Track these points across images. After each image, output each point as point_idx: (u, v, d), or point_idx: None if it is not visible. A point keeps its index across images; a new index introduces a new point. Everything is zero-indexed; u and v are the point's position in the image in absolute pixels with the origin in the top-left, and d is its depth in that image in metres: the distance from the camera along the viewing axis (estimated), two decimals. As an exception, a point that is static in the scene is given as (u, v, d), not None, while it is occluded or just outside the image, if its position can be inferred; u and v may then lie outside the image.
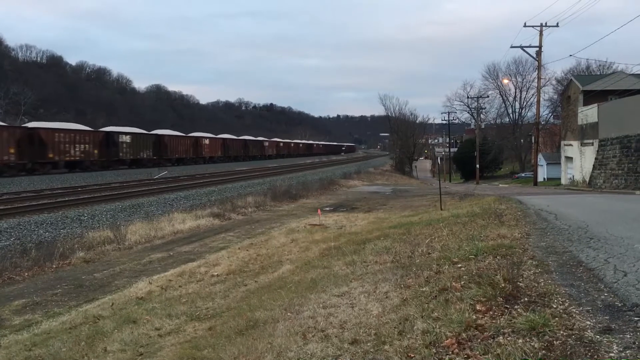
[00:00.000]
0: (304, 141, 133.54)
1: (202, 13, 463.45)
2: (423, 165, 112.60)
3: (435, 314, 4.50)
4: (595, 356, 3.34)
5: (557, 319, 3.97)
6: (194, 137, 67.09)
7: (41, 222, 17.13)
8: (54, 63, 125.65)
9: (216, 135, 79.02)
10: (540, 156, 48.99)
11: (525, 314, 4.10)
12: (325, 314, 5.45)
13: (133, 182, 32.30)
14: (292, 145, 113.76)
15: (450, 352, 3.72)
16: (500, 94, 75.69)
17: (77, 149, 43.24)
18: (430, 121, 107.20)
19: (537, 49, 37.76)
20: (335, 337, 4.64)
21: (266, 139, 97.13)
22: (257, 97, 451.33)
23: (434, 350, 3.82)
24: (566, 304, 4.35)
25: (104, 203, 21.99)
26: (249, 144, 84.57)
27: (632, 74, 38.56)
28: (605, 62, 61.29)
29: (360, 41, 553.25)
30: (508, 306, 4.39)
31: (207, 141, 69.40)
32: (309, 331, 4.95)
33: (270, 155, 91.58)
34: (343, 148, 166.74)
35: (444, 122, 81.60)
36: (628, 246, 6.87)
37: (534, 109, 47.64)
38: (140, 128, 62.06)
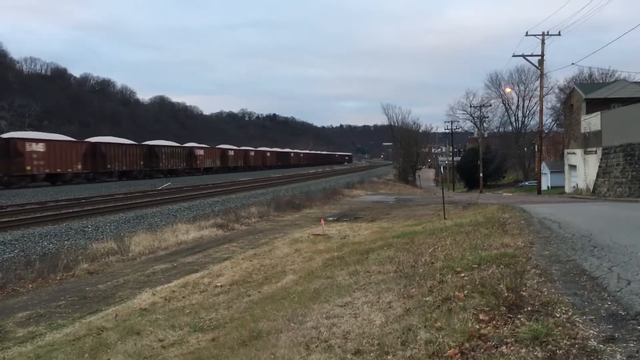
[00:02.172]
0: (276, 149, 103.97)
1: (204, 24, 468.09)
2: (426, 174, 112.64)
3: (439, 323, 4.49)
4: (599, 365, 3.33)
5: (560, 328, 3.96)
6: (6, 139, 37.75)
7: (45, 234, 17.16)
8: (59, 75, 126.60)
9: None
10: (543, 164, 48.94)
11: (528, 323, 4.10)
12: (329, 324, 5.44)
13: (137, 193, 32.41)
14: (253, 154, 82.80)
15: (453, 362, 3.72)
16: (503, 103, 75.76)
17: None
18: (433, 130, 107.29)
19: (540, 57, 37.82)
20: (339, 347, 4.63)
21: (200, 145, 67.36)
22: (261, 107, 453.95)
23: (437, 360, 3.81)
24: (569, 313, 4.34)
25: (108, 214, 22.03)
26: (158, 152, 53.59)
27: (635, 82, 38.59)
28: (608, 70, 61.55)
29: (361, 50, 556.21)
30: (511, 315, 4.38)
31: (37, 147, 37.90)
32: (312, 342, 4.94)
33: (210, 169, 65.42)
34: (346, 157, 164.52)
35: (447, 131, 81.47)
36: (632, 254, 6.85)
37: (537, 118, 47.61)
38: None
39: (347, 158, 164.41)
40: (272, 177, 52.74)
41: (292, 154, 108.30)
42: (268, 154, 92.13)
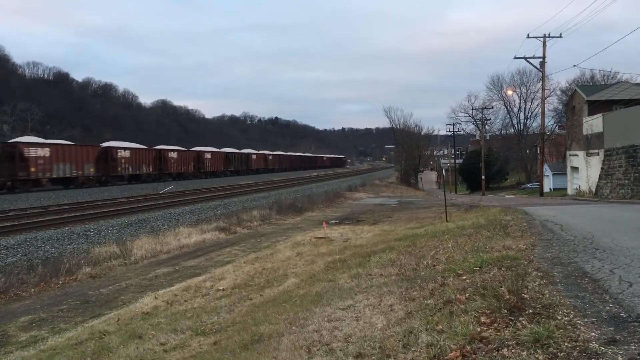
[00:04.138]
0: (227, 150, 79.16)
1: (207, 28, 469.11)
2: (428, 176, 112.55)
3: (440, 326, 4.49)
4: (600, 368, 3.32)
5: (561, 330, 3.95)
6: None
7: (48, 238, 17.20)
8: (61, 79, 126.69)
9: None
10: (546, 167, 48.88)
11: (529, 325, 4.09)
12: (330, 327, 5.44)
13: (139, 197, 32.45)
14: (175, 156, 57.60)
15: (454, 365, 3.71)
16: (505, 105, 75.85)
17: None
18: (435, 133, 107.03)
19: (541, 59, 37.83)
20: (340, 350, 4.63)
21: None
22: (262, 110, 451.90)
23: (438, 363, 3.81)
24: (571, 316, 4.33)
25: (110, 218, 22.06)
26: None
27: (637, 84, 38.59)
28: (610, 71, 61.55)
29: (364, 53, 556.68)
30: (512, 318, 4.37)
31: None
32: (314, 345, 4.94)
33: (78, 182, 42.36)
34: (347, 160, 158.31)
35: (449, 133, 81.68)
36: (634, 256, 6.84)
37: (538, 120, 47.62)
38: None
39: (349, 161, 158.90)
40: (274, 181, 52.75)
41: (253, 157, 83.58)
42: (207, 156, 64.75)
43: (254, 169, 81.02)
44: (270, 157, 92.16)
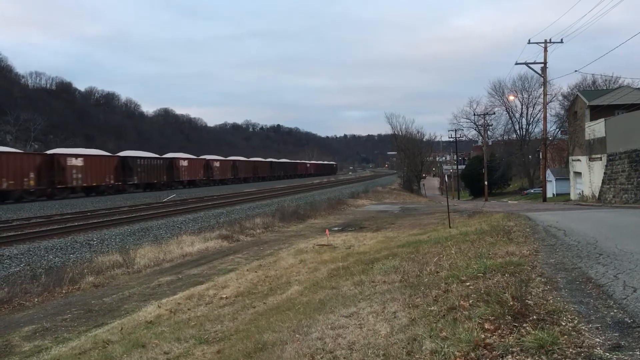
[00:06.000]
0: (126, 152, 53.43)
1: (208, 35, 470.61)
2: (431, 183, 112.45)
3: (444, 333, 4.47)
4: (605, 374, 3.31)
5: (566, 336, 3.94)
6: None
7: (51, 248, 17.22)
8: (64, 89, 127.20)
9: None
10: (548, 172, 48.80)
11: (533, 332, 4.07)
12: (334, 335, 5.42)
13: (142, 206, 32.48)
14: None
15: (458, 372, 3.70)
16: (507, 111, 75.72)
17: None
18: (437, 139, 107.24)
19: (542, 65, 37.86)
20: (344, 358, 4.62)
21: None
22: (264, 118, 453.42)
23: (442, 370, 3.80)
24: (575, 322, 4.31)
25: (113, 227, 22.08)
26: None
27: (639, 88, 38.55)
28: (612, 76, 61.41)
29: (366, 59, 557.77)
30: (516, 324, 4.36)
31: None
32: (317, 353, 4.92)
33: None
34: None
35: (451, 139, 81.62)
36: (638, 261, 6.81)
37: (541, 125, 47.63)
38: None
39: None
40: (277, 188, 52.75)
41: (182, 163, 58.47)
42: (74, 162, 41.48)
43: (184, 180, 58.42)
44: (216, 164, 66.39)
